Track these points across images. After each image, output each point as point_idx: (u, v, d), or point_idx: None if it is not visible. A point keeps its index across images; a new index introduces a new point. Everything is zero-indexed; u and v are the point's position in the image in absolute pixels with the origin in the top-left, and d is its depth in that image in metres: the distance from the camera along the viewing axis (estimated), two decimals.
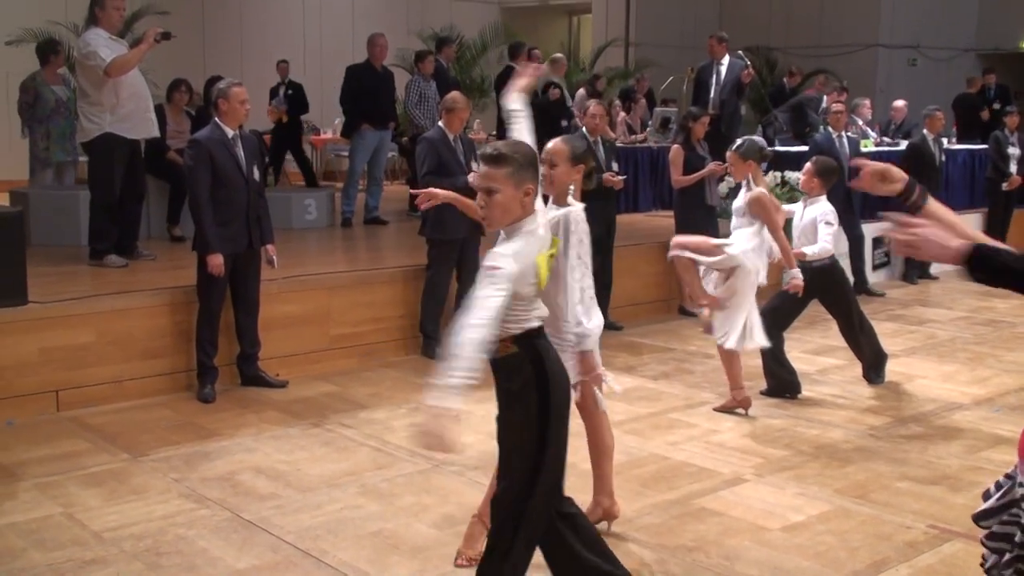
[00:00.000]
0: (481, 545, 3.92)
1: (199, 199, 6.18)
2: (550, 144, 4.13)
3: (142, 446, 5.47)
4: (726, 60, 10.54)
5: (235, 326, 6.51)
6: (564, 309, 3.86)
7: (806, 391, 6.63)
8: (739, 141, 6.23)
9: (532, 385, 3.19)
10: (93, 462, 5.23)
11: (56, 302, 6.19)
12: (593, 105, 8.16)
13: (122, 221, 7.72)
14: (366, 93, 10.36)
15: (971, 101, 14.49)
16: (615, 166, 8.36)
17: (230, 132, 6.25)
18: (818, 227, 6.38)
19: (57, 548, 4.18)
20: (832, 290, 6.59)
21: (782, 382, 6.47)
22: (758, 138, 6.54)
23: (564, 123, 10.93)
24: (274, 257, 6.47)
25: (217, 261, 6.16)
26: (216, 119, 6.28)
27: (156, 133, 7.93)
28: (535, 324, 3.25)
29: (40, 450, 5.39)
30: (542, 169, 3.65)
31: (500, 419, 3.28)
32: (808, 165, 6.55)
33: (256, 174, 6.40)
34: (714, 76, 10.61)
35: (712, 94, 10.54)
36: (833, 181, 6.54)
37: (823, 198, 6.47)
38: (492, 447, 4.82)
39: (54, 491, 4.82)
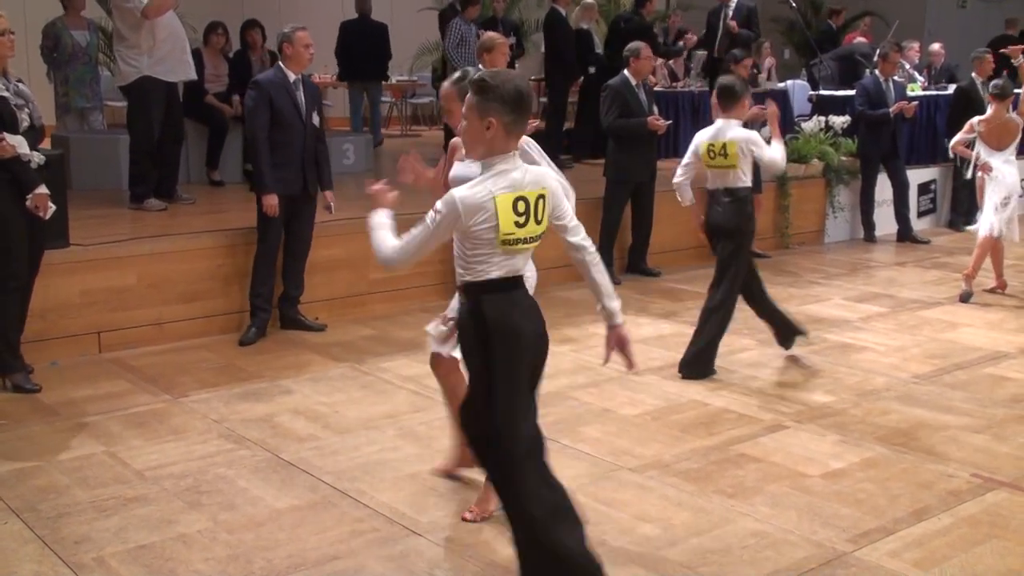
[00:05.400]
0: (492, 505, 3.90)
1: (257, 140, 6.20)
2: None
3: (182, 387, 5.52)
4: (733, 2, 10.38)
5: (282, 268, 6.52)
6: None
7: (848, 338, 6.56)
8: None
9: (475, 338, 3.10)
10: (134, 402, 5.29)
11: (97, 244, 6.23)
12: (643, 47, 8.02)
13: (161, 164, 7.75)
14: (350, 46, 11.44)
15: (1009, 44, 14.03)
16: (656, 110, 8.25)
17: (292, 76, 6.25)
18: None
19: (100, 486, 4.24)
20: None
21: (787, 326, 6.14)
22: None
23: (592, 70, 10.84)
24: (331, 204, 6.48)
25: (272, 201, 6.18)
26: (280, 63, 6.31)
27: (193, 75, 7.92)
28: (494, 275, 3.07)
29: (83, 390, 5.46)
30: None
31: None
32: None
33: (316, 119, 6.39)
34: (721, 18, 10.46)
35: (719, 35, 10.40)
36: (731, 102, 5.73)
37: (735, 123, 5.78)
38: None
39: (97, 430, 4.88)
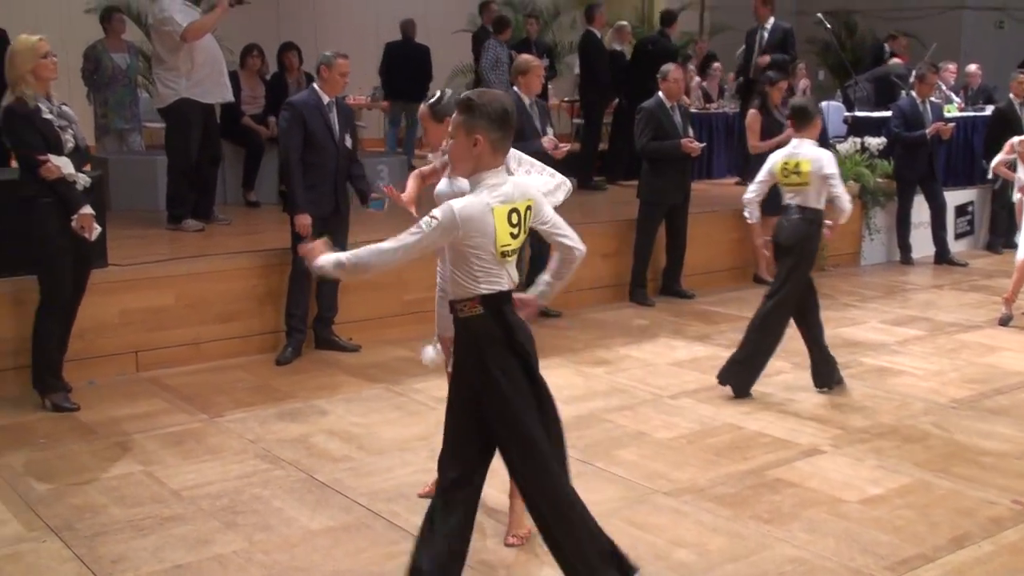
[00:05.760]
0: (528, 521, 3.90)
1: (290, 160, 6.27)
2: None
3: (218, 407, 5.56)
4: (770, 23, 10.32)
5: (315, 289, 6.56)
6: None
7: (886, 361, 6.49)
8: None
9: (504, 345, 3.13)
10: (171, 422, 5.33)
11: (135, 265, 6.30)
12: (673, 69, 8.01)
13: (198, 185, 7.83)
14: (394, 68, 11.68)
15: None
16: (691, 132, 8.24)
17: (326, 98, 6.31)
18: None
19: (137, 505, 4.27)
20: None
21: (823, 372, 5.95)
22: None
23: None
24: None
25: (304, 221, 6.22)
26: (315, 84, 6.37)
27: (230, 97, 8.01)
28: (505, 287, 3.15)
29: (120, 409, 5.50)
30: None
31: (482, 398, 3.16)
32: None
33: (348, 141, 6.44)
34: (757, 40, 10.39)
35: (754, 57, 10.34)
36: (805, 122, 5.75)
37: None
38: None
39: (134, 450, 4.92)
